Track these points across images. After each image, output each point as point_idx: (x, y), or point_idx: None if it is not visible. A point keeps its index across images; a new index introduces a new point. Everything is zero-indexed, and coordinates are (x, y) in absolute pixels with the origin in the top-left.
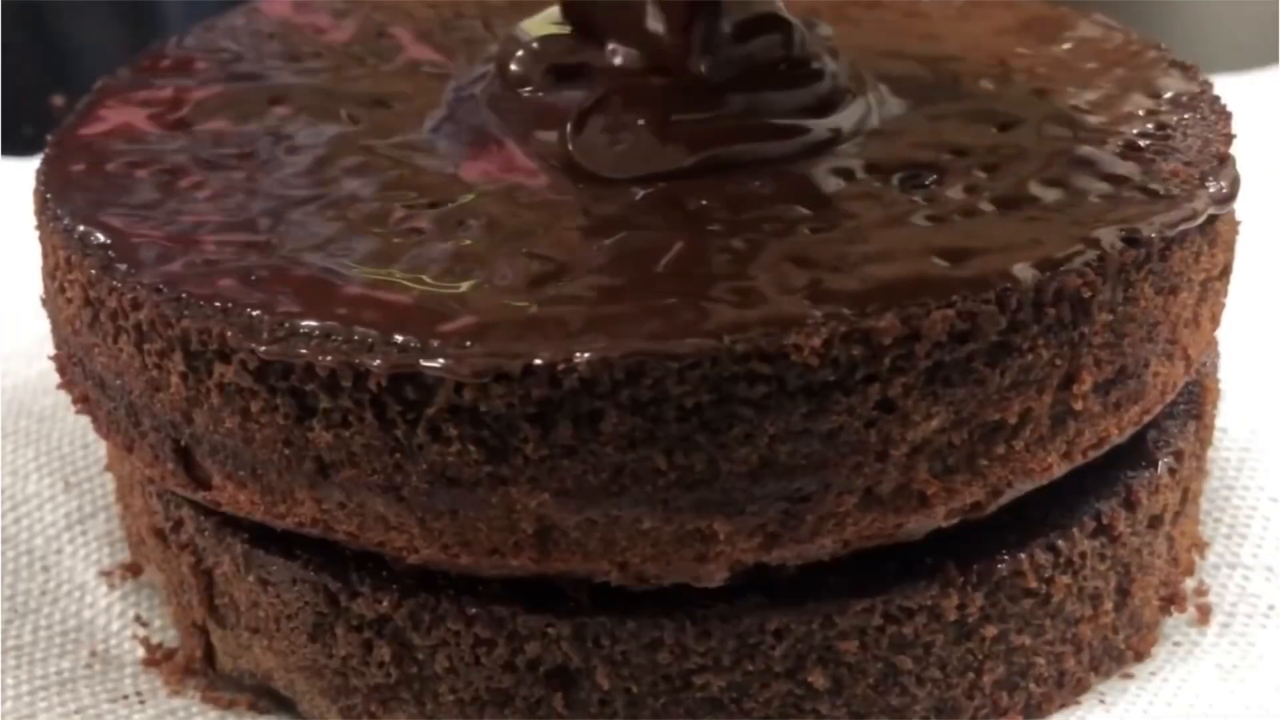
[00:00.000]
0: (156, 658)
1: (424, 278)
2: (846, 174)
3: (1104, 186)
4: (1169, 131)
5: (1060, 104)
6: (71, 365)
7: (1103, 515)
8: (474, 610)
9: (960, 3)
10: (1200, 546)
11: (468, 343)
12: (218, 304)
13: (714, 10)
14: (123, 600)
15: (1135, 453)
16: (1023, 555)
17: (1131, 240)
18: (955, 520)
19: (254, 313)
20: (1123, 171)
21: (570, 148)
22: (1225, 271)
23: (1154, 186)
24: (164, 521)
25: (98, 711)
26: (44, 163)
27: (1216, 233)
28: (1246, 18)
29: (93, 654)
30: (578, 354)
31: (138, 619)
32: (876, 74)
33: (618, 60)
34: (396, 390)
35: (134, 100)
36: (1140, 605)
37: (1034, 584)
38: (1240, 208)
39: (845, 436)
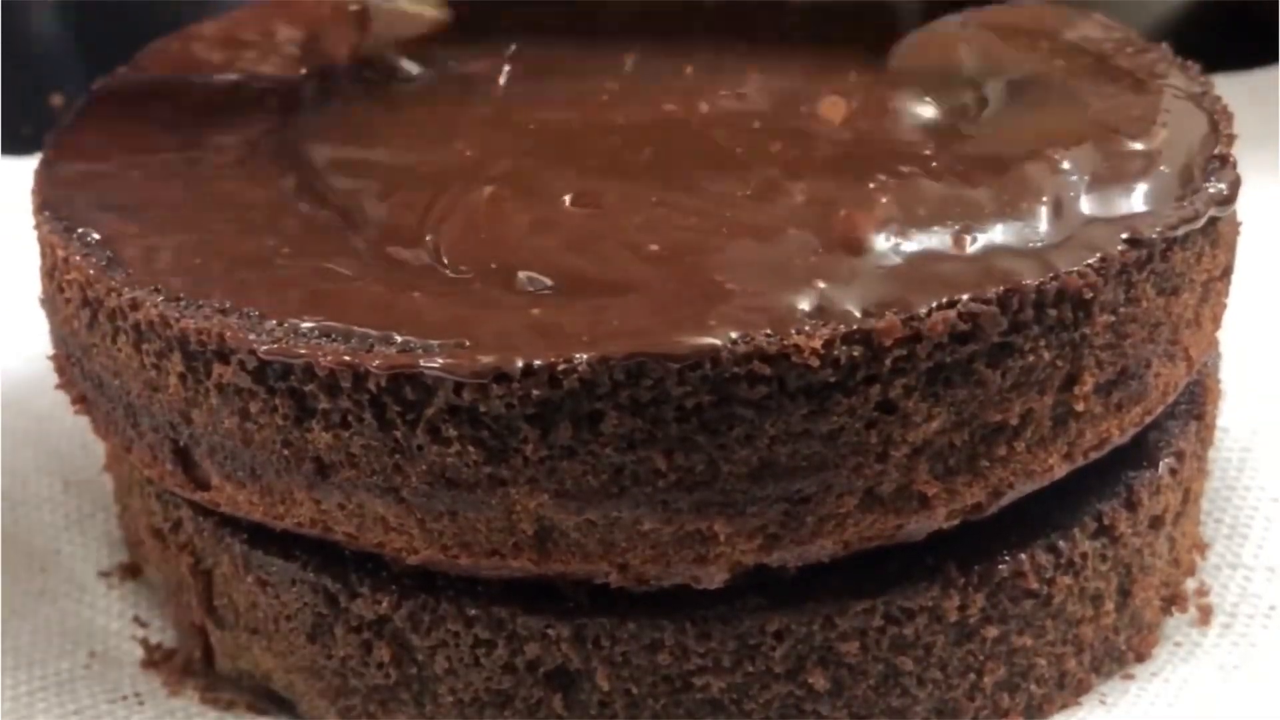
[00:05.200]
0: (155, 658)
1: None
2: None
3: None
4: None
5: (1062, 104)
6: (70, 365)
7: (1104, 516)
8: (473, 611)
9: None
10: (1201, 547)
11: (467, 343)
12: (216, 304)
13: None
14: (122, 601)
15: (1136, 453)
16: (1024, 556)
17: (1133, 241)
18: (956, 521)
19: (252, 313)
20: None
21: None
22: (1226, 272)
23: None
24: (163, 522)
25: (96, 712)
26: (42, 162)
27: (1218, 233)
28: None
29: (91, 654)
30: (577, 354)
31: (136, 619)
32: None
33: None
34: (396, 391)
35: (132, 100)
36: (1141, 606)
37: (1035, 585)
38: (1241, 207)
39: (846, 438)
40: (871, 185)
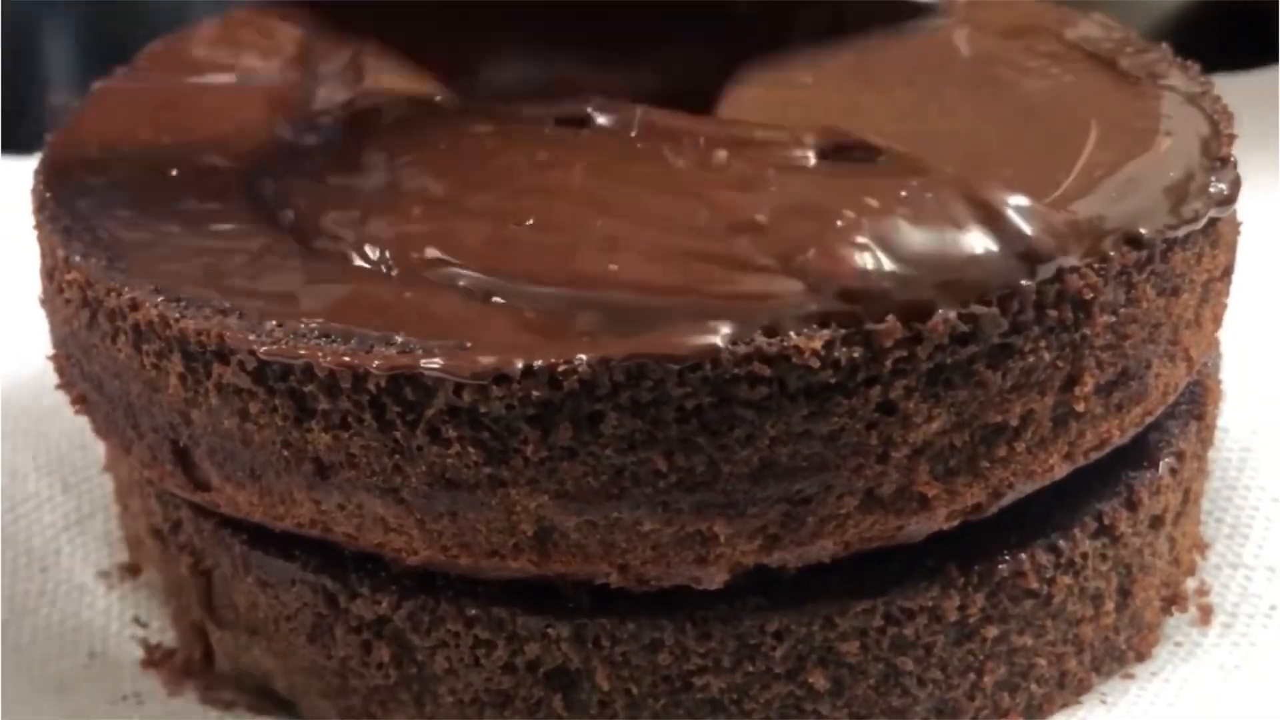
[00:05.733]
0: (155, 658)
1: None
2: None
3: (1107, 187)
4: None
5: (1060, 104)
6: (70, 366)
7: (1104, 515)
8: (473, 611)
9: (962, 4)
10: (1201, 547)
11: (467, 344)
12: (216, 304)
13: None
14: (121, 601)
15: (1137, 453)
16: (1024, 556)
17: (1133, 242)
18: (956, 522)
19: (252, 313)
20: (1125, 173)
21: None
22: (1227, 272)
23: None
24: (162, 522)
25: (96, 712)
26: (42, 162)
27: (1218, 233)
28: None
29: (91, 655)
30: (577, 355)
31: (136, 620)
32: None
33: None
34: (396, 392)
35: (133, 99)
36: (1142, 606)
37: (1035, 584)
38: (1241, 207)
39: (846, 438)
40: (866, 185)
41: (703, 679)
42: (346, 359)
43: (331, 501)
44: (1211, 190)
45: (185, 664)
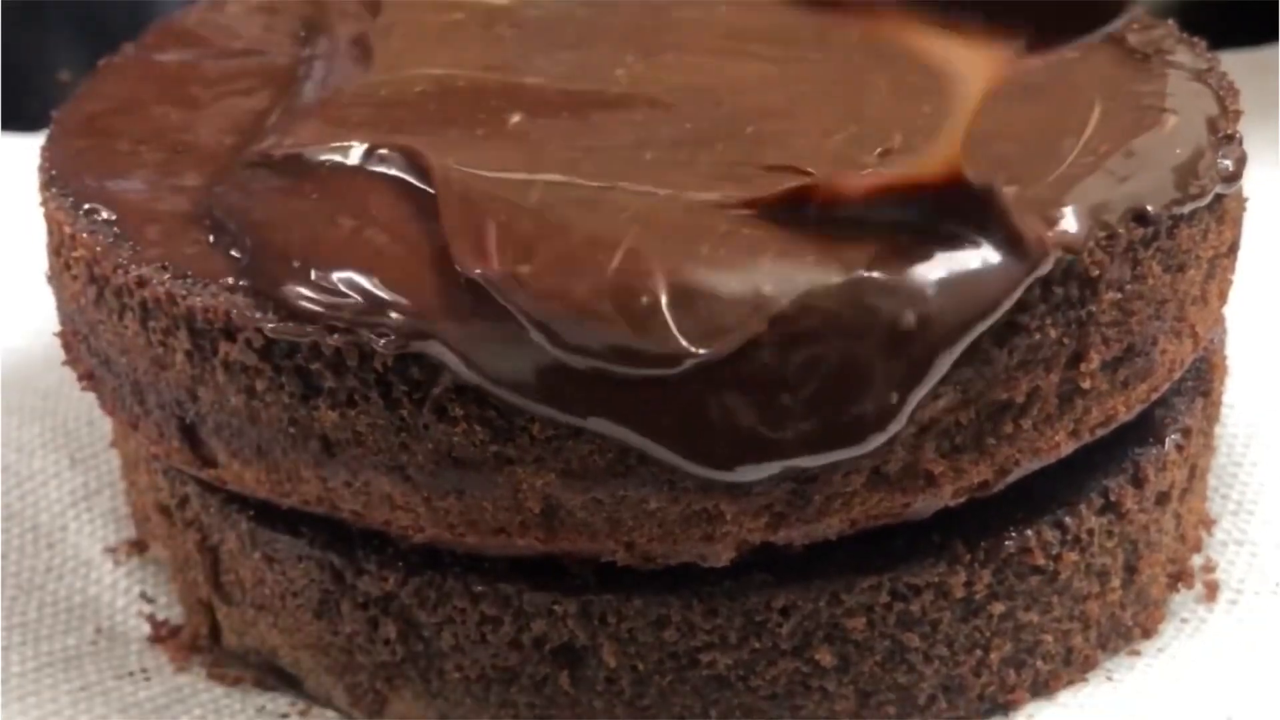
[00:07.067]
0: (162, 634)
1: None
2: None
3: (1113, 164)
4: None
5: (1066, 80)
6: (77, 342)
7: (1110, 492)
8: (480, 588)
9: None
10: (1208, 523)
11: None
12: (223, 281)
13: None
14: (128, 577)
15: (1143, 430)
16: (1030, 532)
17: (1140, 218)
18: (963, 499)
19: (259, 290)
20: (1131, 149)
21: None
22: (1233, 248)
23: None
24: (169, 498)
25: (103, 688)
26: (49, 139)
27: (1224, 210)
28: None
29: (98, 630)
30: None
31: (143, 595)
32: None
33: None
34: (402, 370)
35: (140, 76)
36: (1148, 582)
37: (1041, 561)
38: (1246, 183)
39: None
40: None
41: (709, 655)
42: (353, 337)
43: (338, 479)
44: (1218, 166)
45: (192, 640)
